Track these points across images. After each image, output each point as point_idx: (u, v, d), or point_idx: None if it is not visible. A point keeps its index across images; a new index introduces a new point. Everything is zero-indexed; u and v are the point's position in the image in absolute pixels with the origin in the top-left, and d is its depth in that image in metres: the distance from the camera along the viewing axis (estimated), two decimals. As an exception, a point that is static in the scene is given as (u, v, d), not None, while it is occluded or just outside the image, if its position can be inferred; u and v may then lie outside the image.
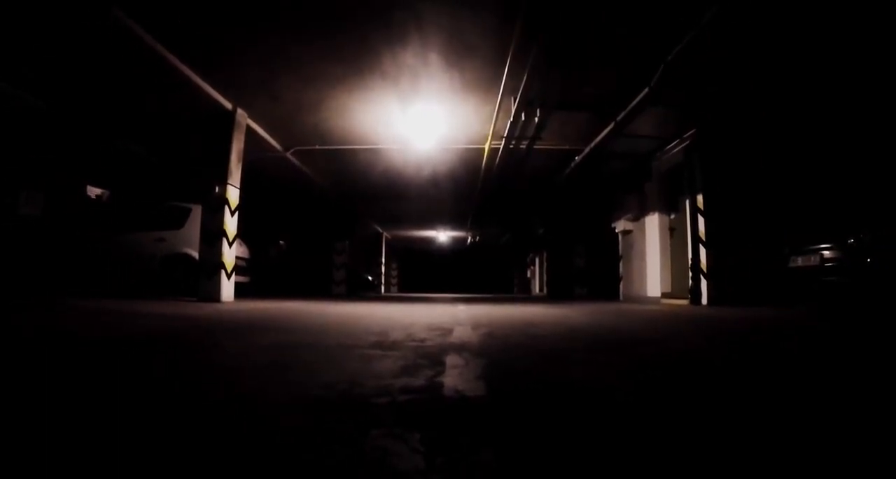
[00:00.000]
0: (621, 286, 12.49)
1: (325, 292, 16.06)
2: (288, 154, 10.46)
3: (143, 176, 11.47)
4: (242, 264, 9.01)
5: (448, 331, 3.59)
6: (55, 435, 1.12)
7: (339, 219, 16.40)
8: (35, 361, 2.11)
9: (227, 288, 7.75)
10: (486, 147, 9.74)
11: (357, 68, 6.79)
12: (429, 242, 29.67)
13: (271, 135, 9.56)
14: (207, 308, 5.86)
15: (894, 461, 1.03)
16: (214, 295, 7.48)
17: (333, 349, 2.55)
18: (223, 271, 7.62)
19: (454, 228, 22.98)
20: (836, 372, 2.10)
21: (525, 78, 6.57)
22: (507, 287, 33.48)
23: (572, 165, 10.77)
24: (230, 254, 7.83)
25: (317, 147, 10.22)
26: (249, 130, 8.59)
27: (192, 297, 7.79)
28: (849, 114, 7.18)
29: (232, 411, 1.37)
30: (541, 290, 22.25)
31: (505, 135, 8.74)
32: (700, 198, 8.33)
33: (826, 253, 6.02)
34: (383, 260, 25.61)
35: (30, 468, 0.93)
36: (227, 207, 7.73)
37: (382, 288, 25.30)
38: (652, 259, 10.61)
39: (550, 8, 5.22)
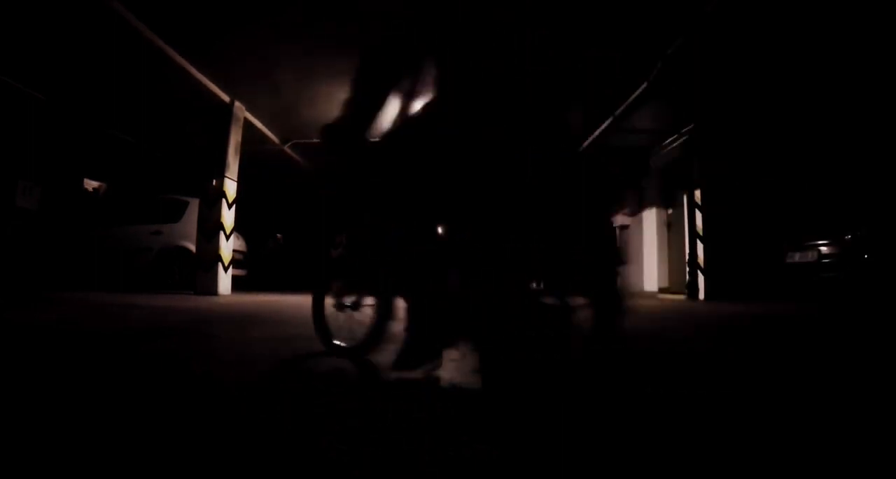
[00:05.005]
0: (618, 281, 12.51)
1: (322, 285, 16.03)
2: (286, 147, 10.42)
3: (140, 169, 11.43)
4: (240, 257, 8.99)
5: (445, 325, 3.58)
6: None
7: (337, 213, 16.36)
8: (45, 352, 2.11)
9: (225, 281, 7.74)
10: (485, 141, 9.72)
11: (356, 62, 6.75)
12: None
13: (269, 128, 9.52)
14: (205, 302, 5.86)
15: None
16: (212, 288, 7.47)
17: None
18: (220, 265, 7.61)
19: (452, 222, 22.94)
20: (830, 368, 2.12)
21: (524, 72, 6.55)
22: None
23: (570, 159, 10.75)
24: (227, 247, 7.82)
25: (314, 140, 10.18)
26: (247, 122, 8.55)
27: (189, 290, 7.78)
28: (848, 110, 7.17)
29: (231, 402, 1.37)
30: (538, 284, 22.25)
31: (503, 129, 8.72)
32: (697, 193, 8.33)
33: (823, 249, 6.03)
34: (381, 254, 25.53)
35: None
36: (224, 200, 7.71)
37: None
38: (649, 254, 10.63)
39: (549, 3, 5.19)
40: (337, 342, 2.20)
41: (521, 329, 1.44)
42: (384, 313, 1.96)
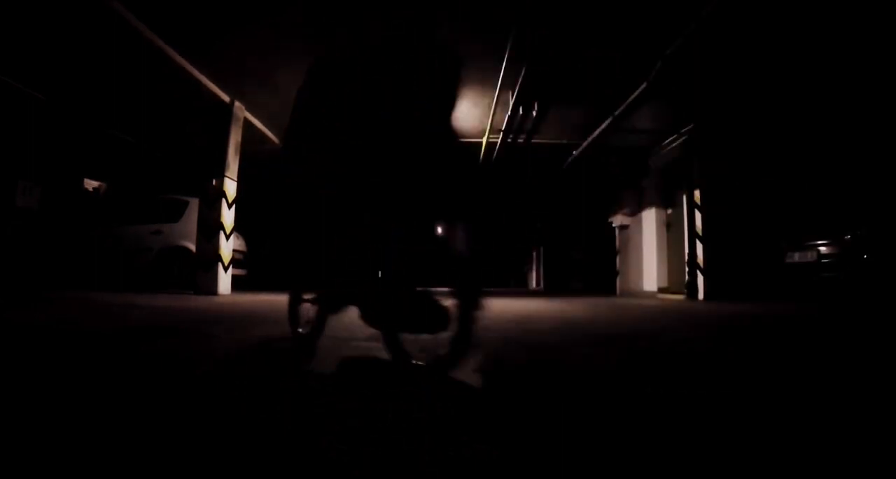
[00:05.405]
0: (618, 281, 12.52)
1: (322, 285, 16.03)
2: (285, 147, 10.41)
3: (140, 169, 11.43)
4: (240, 257, 9.00)
5: (445, 325, 3.58)
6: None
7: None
8: (45, 352, 2.11)
9: (225, 281, 7.75)
10: (484, 141, 9.72)
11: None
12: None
13: (269, 128, 9.52)
14: (205, 301, 5.86)
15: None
16: (212, 288, 7.48)
17: (330, 341, 2.56)
18: (220, 265, 7.62)
19: (451, 221, 22.93)
20: (830, 368, 2.12)
21: (523, 72, 6.55)
22: (503, 281, 33.47)
23: (570, 159, 10.77)
24: (227, 247, 7.82)
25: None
26: (247, 122, 8.55)
27: (189, 290, 7.79)
28: (848, 110, 7.18)
29: (231, 402, 1.37)
30: (537, 284, 22.27)
31: (503, 129, 8.74)
32: (697, 193, 8.34)
33: (823, 249, 6.04)
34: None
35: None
36: (224, 200, 7.72)
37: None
38: (648, 254, 10.63)
39: (549, 3, 5.20)
40: (300, 330, 2.56)
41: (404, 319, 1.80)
42: (324, 307, 2.37)
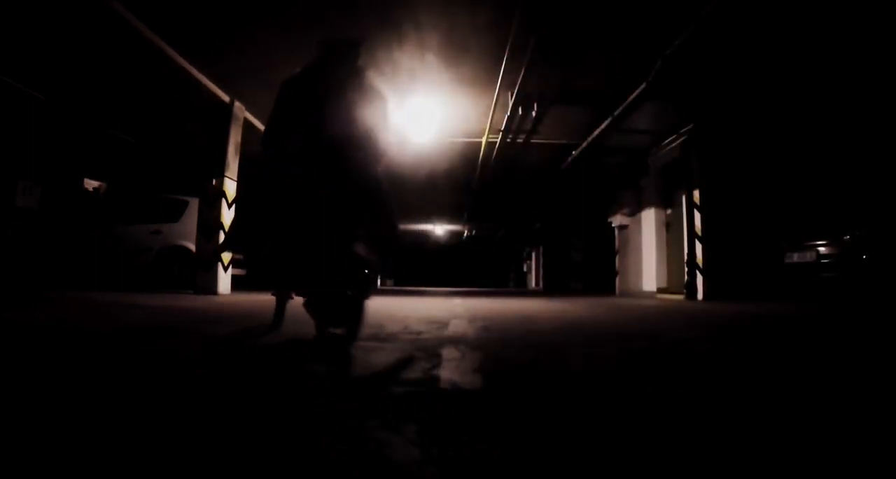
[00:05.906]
0: (617, 281, 12.52)
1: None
2: (285, 147, 10.38)
3: (139, 169, 11.42)
4: (239, 257, 8.99)
5: (444, 324, 3.60)
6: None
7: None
8: (45, 352, 2.12)
9: (225, 281, 7.75)
10: (484, 141, 9.72)
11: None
12: (424, 235, 29.60)
13: (269, 128, 9.51)
14: (205, 301, 5.86)
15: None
16: (212, 288, 7.48)
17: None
18: (220, 264, 7.62)
19: (451, 222, 22.96)
20: (830, 368, 2.12)
21: (522, 72, 6.55)
22: (503, 281, 33.53)
23: (569, 159, 10.77)
24: (227, 247, 7.82)
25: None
26: (247, 122, 8.54)
27: (189, 290, 7.79)
28: (848, 110, 7.18)
29: (231, 402, 1.38)
30: (537, 284, 22.30)
31: (502, 129, 8.73)
32: (696, 193, 8.34)
33: (822, 249, 6.04)
34: (379, 254, 25.56)
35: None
36: (224, 200, 7.72)
37: (378, 281, 25.32)
38: (648, 254, 10.63)
39: (548, 3, 5.21)
40: (276, 320, 3.03)
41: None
42: (282, 299, 2.98)
